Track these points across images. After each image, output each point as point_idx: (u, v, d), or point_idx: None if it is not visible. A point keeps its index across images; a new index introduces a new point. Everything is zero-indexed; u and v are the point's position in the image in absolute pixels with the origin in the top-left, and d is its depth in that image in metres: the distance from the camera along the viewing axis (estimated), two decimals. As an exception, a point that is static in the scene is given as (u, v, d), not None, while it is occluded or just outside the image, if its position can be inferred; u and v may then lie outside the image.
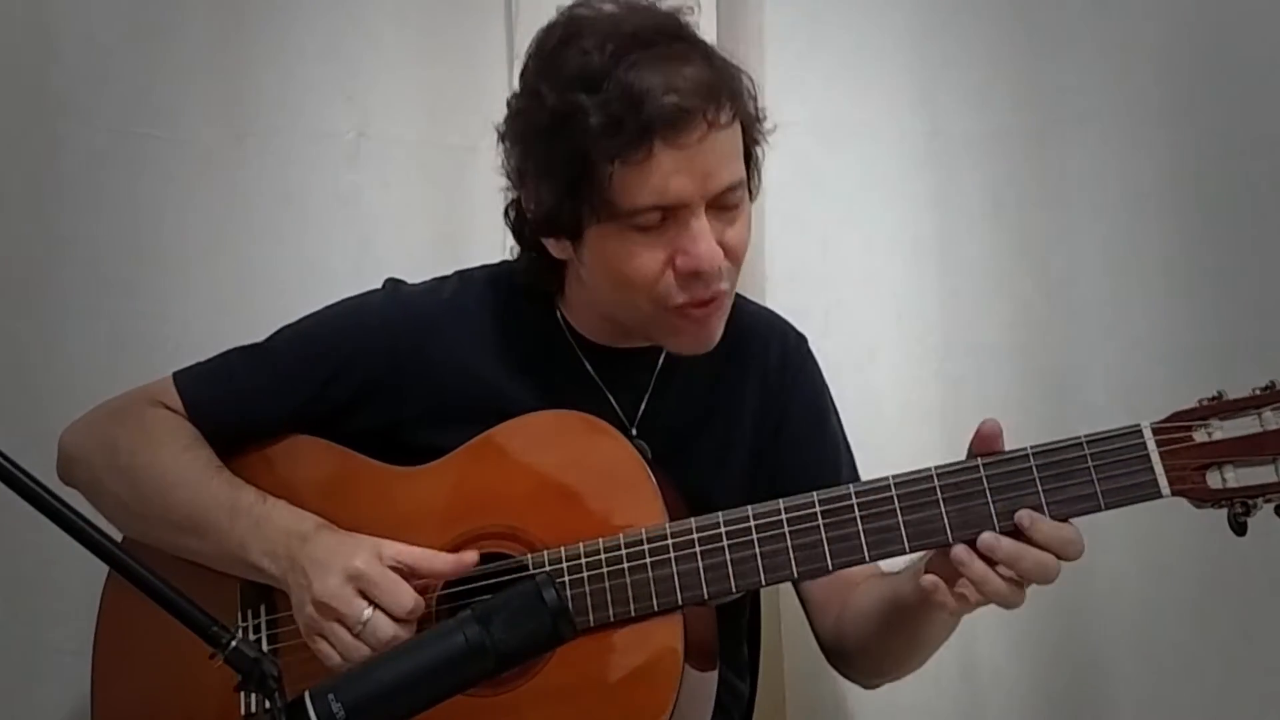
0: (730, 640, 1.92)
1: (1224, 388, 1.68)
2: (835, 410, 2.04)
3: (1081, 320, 2.40)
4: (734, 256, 1.80)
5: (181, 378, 1.99)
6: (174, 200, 2.39)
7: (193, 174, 2.40)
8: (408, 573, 1.78)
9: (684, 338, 1.84)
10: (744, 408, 1.96)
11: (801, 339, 2.05)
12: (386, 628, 1.74)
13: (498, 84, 2.43)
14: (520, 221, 1.89)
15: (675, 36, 1.75)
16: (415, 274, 2.05)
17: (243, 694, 1.83)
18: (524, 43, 1.85)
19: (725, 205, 1.77)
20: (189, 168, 2.39)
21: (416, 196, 2.49)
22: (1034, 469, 1.66)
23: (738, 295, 2.01)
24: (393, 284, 2.02)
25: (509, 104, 1.83)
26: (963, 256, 2.44)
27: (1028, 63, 2.40)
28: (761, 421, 1.96)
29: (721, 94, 1.74)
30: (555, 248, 1.85)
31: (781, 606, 2.28)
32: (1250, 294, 2.29)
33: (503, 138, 1.83)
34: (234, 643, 1.43)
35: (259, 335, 2.02)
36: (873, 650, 1.89)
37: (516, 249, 1.96)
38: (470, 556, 1.79)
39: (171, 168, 2.38)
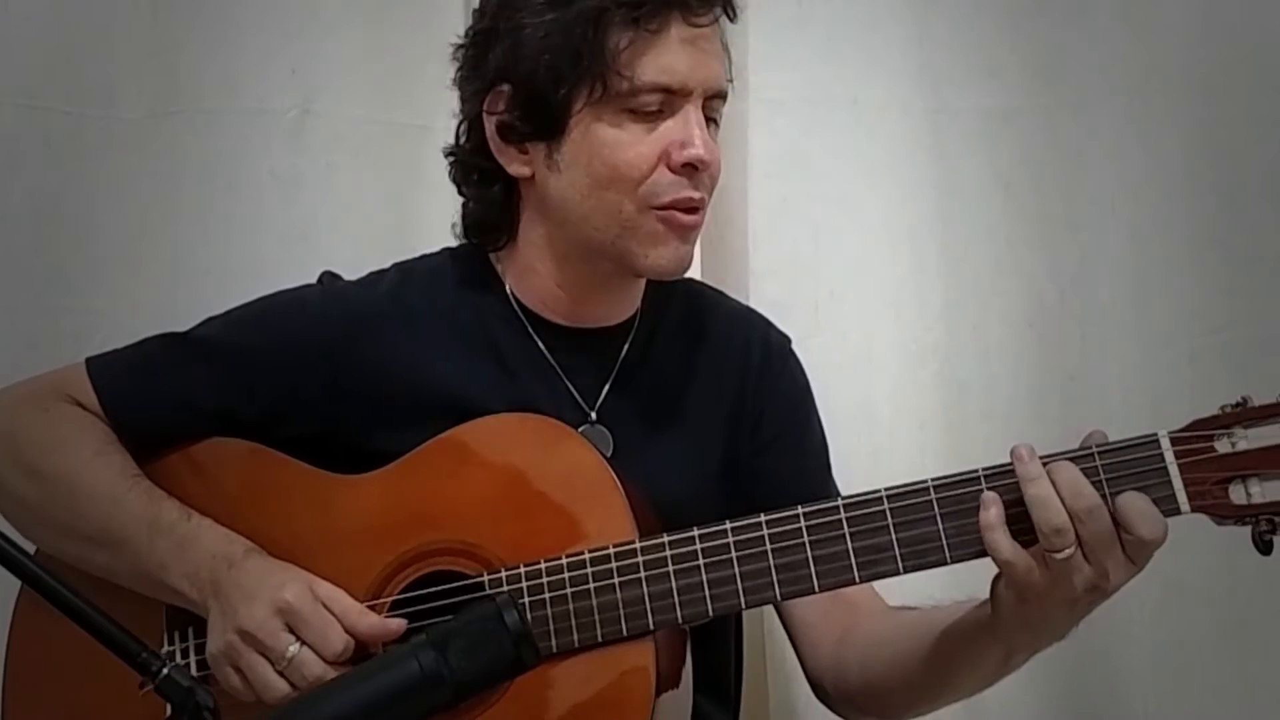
0: (708, 667, 1.92)
1: (1250, 393, 1.68)
2: (819, 420, 2.07)
3: (1098, 317, 2.42)
4: (716, 170, 1.90)
5: (97, 367, 2.00)
6: (94, 184, 2.38)
7: (115, 155, 2.38)
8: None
9: (663, 249, 1.88)
10: (718, 406, 2.00)
11: (785, 339, 2.09)
12: (314, 665, 1.77)
13: (455, 56, 2.46)
14: (474, 147, 1.94)
15: None
16: (362, 266, 2.07)
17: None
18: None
19: (710, 116, 1.88)
20: (110, 148, 2.38)
21: (365, 180, 2.50)
22: None
23: (720, 292, 2.13)
24: (329, 277, 2.05)
25: (482, 3, 1.91)
26: (967, 246, 2.44)
27: (1041, 32, 2.41)
28: (736, 423, 2.00)
29: None
30: (520, 161, 1.90)
31: (766, 630, 2.29)
32: (1286, 288, 2.31)
33: (469, 45, 1.91)
34: (165, 670, 1.43)
35: (189, 334, 2.01)
36: (897, 687, 1.88)
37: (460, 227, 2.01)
38: (396, 625, 1.80)
39: (91, 148, 2.37)
